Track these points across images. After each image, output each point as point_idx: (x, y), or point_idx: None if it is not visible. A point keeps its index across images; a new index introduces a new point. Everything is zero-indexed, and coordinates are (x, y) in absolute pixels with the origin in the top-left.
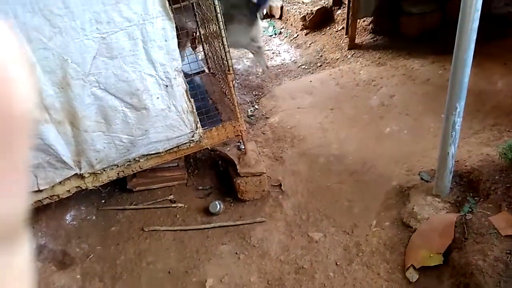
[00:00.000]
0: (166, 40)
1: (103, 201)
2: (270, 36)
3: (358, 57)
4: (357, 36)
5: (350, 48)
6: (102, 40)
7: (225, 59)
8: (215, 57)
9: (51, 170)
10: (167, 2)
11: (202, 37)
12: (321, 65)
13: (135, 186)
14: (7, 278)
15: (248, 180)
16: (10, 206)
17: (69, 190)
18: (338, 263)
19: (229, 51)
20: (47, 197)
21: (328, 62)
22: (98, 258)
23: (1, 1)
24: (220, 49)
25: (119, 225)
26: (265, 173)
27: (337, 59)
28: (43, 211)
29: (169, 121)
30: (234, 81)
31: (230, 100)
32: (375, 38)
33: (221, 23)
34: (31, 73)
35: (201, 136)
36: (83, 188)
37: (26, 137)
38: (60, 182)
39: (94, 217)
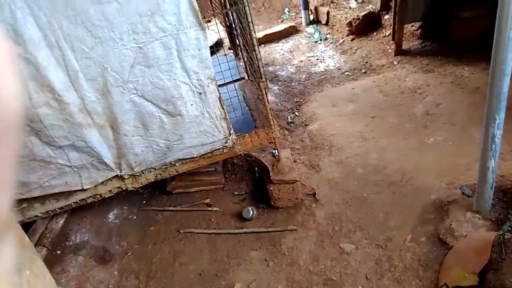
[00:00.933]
0: (199, 49)
1: (144, 202)
2: (315, 42)
3: (404, 63)
4: (404, 41)
5: (396, 54)
6: (139, 49)
7: (257, 67)
8: (251, 64)
9: (94, 171)
10: (199, 13)
11: (241, 45)
12: (365, 72)
13: (174, 188)
14: None
15: (281, 187)
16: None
17: (110, 190)
18: (368, 277)
19: (261, 59)
20: (91, 196)
21: (374, 68)
22: (136, 256)
23: (47, 15)
24: (253, 57)
25: (157, 226)
26: (298, 181)
27: (383, 65)
28: (88, 209)
29: (203, 127)
30: (267, 89)
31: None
32: (423, 44)
33: (253, 31)
34: (18, 76)
35: (234, 142)
36: (124, 188)
37: (12, 138)
38: (102, 182)
39: (134, 217)
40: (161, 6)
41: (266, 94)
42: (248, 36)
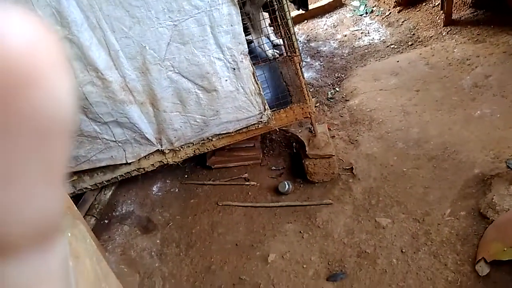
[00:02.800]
0: (232, 25)
1: (186, 176)
2: (361, 15)
3: (454, 34)
4: (454, 11)
5: (446, 25)
6: (174, 27)
7: (291, 41)
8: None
9: (137, 145)
10: None
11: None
12: (412, 44)
13: (214, 163)
14: (43, 281)
15: (316, 162)
16: (51, 205)
17: (153, 164)
18: (403, 250)
19: (294, 33)
20: (135, 170)
21: (421, 40)
22: (177, 226)
23: None
24: (286, 32)
25: (198, 198)
26: (333, 155)
27: (431, 37)
28: (133, 182)
29: (238, 102)
30: (301, 63)
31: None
32: (475, 13)
33: (285, 5)
34: (69, 69)
35: (269, 118)
36: (165, 163)
37: (66, 138)
38: (145, 157)
39: (177, 190)
40: None
41: (301, 68)
42: (282, 11)
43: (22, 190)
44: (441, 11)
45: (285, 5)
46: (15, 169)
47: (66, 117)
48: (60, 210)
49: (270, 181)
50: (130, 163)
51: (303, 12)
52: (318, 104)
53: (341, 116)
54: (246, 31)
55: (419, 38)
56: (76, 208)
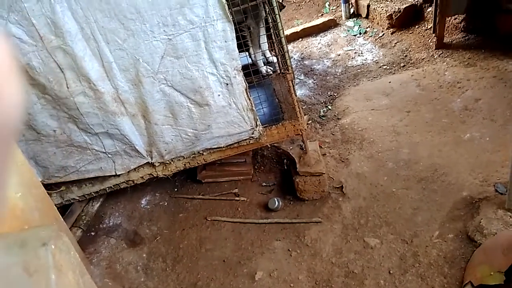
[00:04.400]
0: (226, 41)
1: (175, 189)
2: (354, 35)
3: (445, 57)
4: (446, 34)
5: (437, 48)
6: (169, 41)
7: (284, 59)
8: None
9: (127, 157)
10: (226, 6)
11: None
12: (404, 65)
13: (204, 178)
14: None
15: (307, 179)
16: None
17: (142, 177)
18: (391, 272)
19: (287, 51)
20: (124, 182)
21: (413, 62)
22: (164, 241)
23: (84, 8)
24: (280, 49)
25: (186, 213)
26: (324, 173)
27: (423, 59)
28: (122, 195)
29: (230, 117)
30: (294, 80)
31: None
32: (466, 37)
33: (279, 23)
34: (19, 80)
35: (260, 134)
36: (154, 176)
37: (9, 144)
38: (134, 169)
39: (166, 203)
40: None
41: (294, 86)
42: (275, 29)
43: None
44: (433, 34)
45: (279, 23)
46: None
47: (13, 125)
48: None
49: (260, 197)
50: (119, 175)
51: (298, 31)
52: (310, 121)
53: (333, 134)
54: (245, 45)
55: (411, 60)
56: (62, 219)
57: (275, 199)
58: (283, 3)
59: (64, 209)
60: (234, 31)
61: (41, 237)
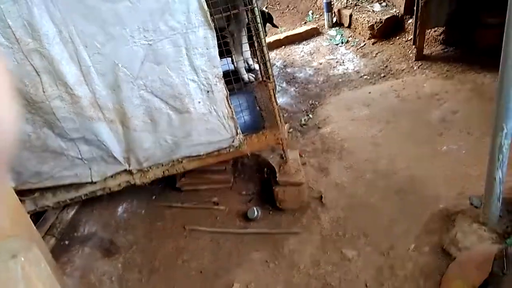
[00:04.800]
0: (207, 48)
1: (153, 197)
2: (337, 44)
3: (424, 68)
4: (426, 46)
5: (417, 59)
6: (149, 47)
7: (266, 67)
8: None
9: (104, 164)
10: (208, 13)
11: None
12: (384, 76)
13: (183, 185)
14: None
15: (286, 189)
16: None
17: (119, 184)
18: (367, 284)
19: (269, 59)
20: (100, 189)
21: (393, 73)
22: (140, 250)
23: (62, 11)
24: (262, 58)
25: (164, 221)
26: (303, 183)
27: (403, 70)
28: (99, 202)
29: (210, 125)
30: (275, 89)
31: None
32: (445, 50)
33: (261, 32)
34: (13, 96)
35: (241, 142)
36: (132, 183)
37: (3, 163)
38: (111, 176)
39: (143, 211)
40: (171, 5)
41: (275, 95)
42: (257, 37)
43: None
44: (413, 46)
45: (261, 32)
46: None
47: (8, 141)
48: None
49: (240, 206)
50: (95, 182)
51: (281, 38)
52: (291, 129)
53: (313, 144)
54: (229, 51)
55: (392, 70)
56: (34, 227)
57: (255, 209)
58: (274, 23)
59: (37, 216)
60: (215, 38)
61: (10, 249)
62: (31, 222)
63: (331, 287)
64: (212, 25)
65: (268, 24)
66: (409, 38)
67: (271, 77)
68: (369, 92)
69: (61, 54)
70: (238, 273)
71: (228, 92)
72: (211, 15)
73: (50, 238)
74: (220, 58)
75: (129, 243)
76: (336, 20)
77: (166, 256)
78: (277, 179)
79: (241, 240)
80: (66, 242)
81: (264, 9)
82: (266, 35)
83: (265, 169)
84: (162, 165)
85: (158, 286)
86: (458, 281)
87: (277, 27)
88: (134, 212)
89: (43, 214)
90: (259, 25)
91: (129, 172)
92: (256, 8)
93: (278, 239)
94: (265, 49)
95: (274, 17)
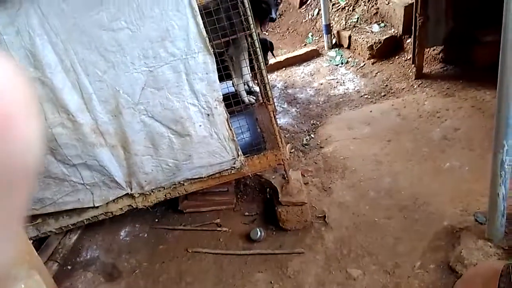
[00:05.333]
0: (207, 73)
1: (156, 220)
2: (337, 65)
3: (425, 87)
4: (425, 65)
5: (417, 78)
6: (150, 73)
7: (265, 90)
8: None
9: (105, 188)
10: (207, 39)
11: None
12: (385, 95)
13: (186, 208)
14: None
15: (289, 209)
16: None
17: (121, 208)
18: None
19: (268, 82)
20: (102, 213)
21: (393, 92)
22: (143, 274)
23: (64, 41)
24: (261, 81)
25: (167, 244)
26: (306, 203)
27: (403, 89)
28: (101, 226)
29: (211, 147)
30: (275, 111)
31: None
32: (445, 68)
33: (259, 56)
34: (36, 111)
35: (242, 164)
36: (134, 207)
37: (27, 187)
38: (113, 200)
39: (146, 235)
40: (170, 32)
41: (275, 116)
42: (257, 61)
43: None
44: (413, 65)
45: (260, 56)
46: None
47: (32, 164)
48: (12, 259)
49: (243, 227)
50: (97, 207)
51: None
52: (293, 150)
53: (315, 163)
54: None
55: (392, 89)
56: (36, 254)
57: (258, 230)
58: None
59: (40, 242)
60: (215, 63)
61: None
62: (33, 248)
63: None
64: (212, 50)
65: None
66: (408, 58)
67: (270, 99)
68: (370, 111)
69: (63, 83)
70: None
71: (229, 115)
72: (210, 41)
73: (53, 263)
74: (221, 82)
75: (132, 267)
76: (336, 41)
77: (169, 279)
78: (279, 199)
79: (244, 261)
80: (69, 267)
81: (266, 37)
82: (267, 63)
83: (268, 189)
84: (164, 188)
85: None
86: None
87: (274, 57)
88: (136, 236)
89: (45, 239)
90: (258, 49)
91: (131, 196)
92: (254, 33)
93: (282, 260)
94: (264, 72)
95: (274, 45)
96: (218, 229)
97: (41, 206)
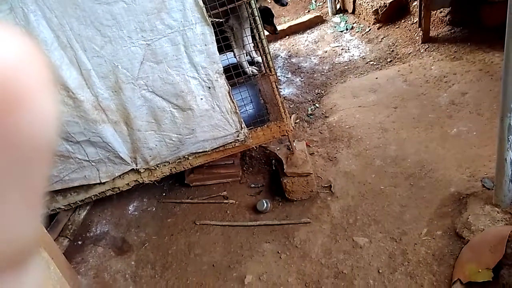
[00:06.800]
0: (206, 45)
1: (163, 194)
2: (341, 31)
3: (431, 51)
4: (432, 28)
5: (424, 42)
6: (148, 46)
7: (266, 60)
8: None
9: (111, 165)
10: (204, 10)
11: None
12: (391, 61)
13: (192, 181)
14: None
15: (294, 180)
16: (22, 233)
17: (128, 184)
18: (380, 271)
19: (269, 52)
20: (109, 189)
21: (399, 57)
22: (153, 247)
23: (59, 16)
24: (262, 51)
25: (175, 217)
26: (311, 173)
27: (409, 53)
28: (109, 201)
29: (214, 121)
30: (277, 82)
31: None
32: (452, 30)
33: (259, 25)
34: (51, 86)
35: (246, 136)
36: (140, 182)
37: (46, 160)
38: (119, 176)
39: (154, 209)
40: (166, 3)
41: (277, 87)
42: (257, 30)
43: (0, 213)
44: (419, 29)
45: (259, 25)
46: None
47: (49, 140)
48: (37, 234)
49: (249, 199)
50: (104, 183)
51: (285, 28)
52: (298, 120)
53: (321, 133)
54: (229, 46)
55: (398, 54)
56: (46, 231)
57: (264, 201)
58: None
59: (50, 219)
60: (213, 34)
61: None
62: (42, 226)
63: (344, 275)
64: (209, 21)
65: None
66: (415, 21)
67: (272, 69)
68: (376, 78)
69: (60, 59)
70: (250, 265)
71: (230, 87)
72: (207, 11)
73: (63, 239)
74: (221, 53)
75: (141, 241)
76: (340, 6)
77: (178, 251)
78: (284, 170)
79: (252, 232)
80: (79, 243)
81: (267, 5)
82: (277, 32)
83: (273, 161)
84: (169, 163)
85: (171, 281)
86: (472, 264)
87: (276, 29)
88: (145, 210)
89: (55, 216)
90: (257, 18)
91: (137, 171)
92: (252, 1)
93: (288, 230)
94: (264, 41)
95: (275, 13)
96: (225, 201)
97: (48, 183)
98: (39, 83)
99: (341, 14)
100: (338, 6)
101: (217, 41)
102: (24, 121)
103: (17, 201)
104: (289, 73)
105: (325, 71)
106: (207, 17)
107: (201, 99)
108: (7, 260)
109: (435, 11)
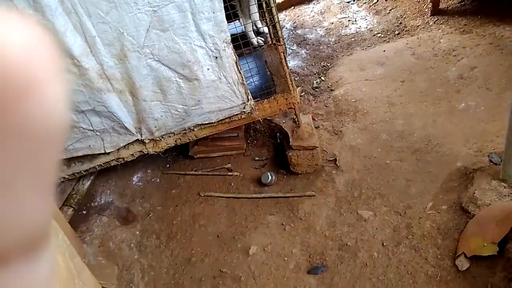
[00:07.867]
0: (214, 12)
1: (167, 165)
2: (348, 2)
3: (441, 24)
4: (442, 0)
5: (433, 14)
6: (154, 13)
7: (275, 30)
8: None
9: (116, 135)
10: None
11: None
12: (399, 33)
13: (196, 153)
14: None
15: (300, 153)
16: (36, 217)
17: (133, 154)
18: (384, 244)
19: (278, 21)
20: (114, 160)
21: (408, 29)
22: (157, 217)
23: None
24: (270, 20)
25: (179, 189)
26: (317, 147)
27: (418, 26)
28: (113, 172)
29: (220, 92)
30: (286, 52)
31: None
32: (462, 3)
33: None
34: (64, 81)
35: (252, 108)
36: (145, 153)
37: (57, 147)
38: (124, 146)
39: (158, 180)
40: None
41: (285, 58)
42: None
43: (13, 200)
44: (429, 0)
45: None
46: (6, 179)
47: (59, 127)
48: (49, 220)
49: (253, 172)
50: (108, 153)
51: None
52: (303, 93)
53: (326, 106)
54: (235, 16)
55: (406, 27)
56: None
57: (268, 174)
58: None
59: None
60: (222, 1)
61: None
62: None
63: (348, 247)
64: None
65: None
66: None
67: (281, 39)
68: (383, 51)
69: (65, 25)
70: (254, 237)
71: (237, 58)
72: None
73: (68, 208)
74: (228, 22)
75: (146, 211)
76: None
77: (183, 222)
78: (290, 143)
79: (256, 204)
80: (84, 212)
81: None
82: None
83: (278, 134)
84: (174, 134)
85: (176, 250)
86: (477, 238)
87: None
88: (149, 181)
89: (59, 185)
90: None
91: (142, 142)
92: None
93: (293, 203)
94: (274, 10)
95: None
96: (229, 173)
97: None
98: (49, 70)
99: None
100: None
101: (225, 9)
102: (33, 109)
103: (28, 189)
104: (294, 45)
105: (331, 43)
106: None
107: (208, 69)
108: (20, 247)
109: None
